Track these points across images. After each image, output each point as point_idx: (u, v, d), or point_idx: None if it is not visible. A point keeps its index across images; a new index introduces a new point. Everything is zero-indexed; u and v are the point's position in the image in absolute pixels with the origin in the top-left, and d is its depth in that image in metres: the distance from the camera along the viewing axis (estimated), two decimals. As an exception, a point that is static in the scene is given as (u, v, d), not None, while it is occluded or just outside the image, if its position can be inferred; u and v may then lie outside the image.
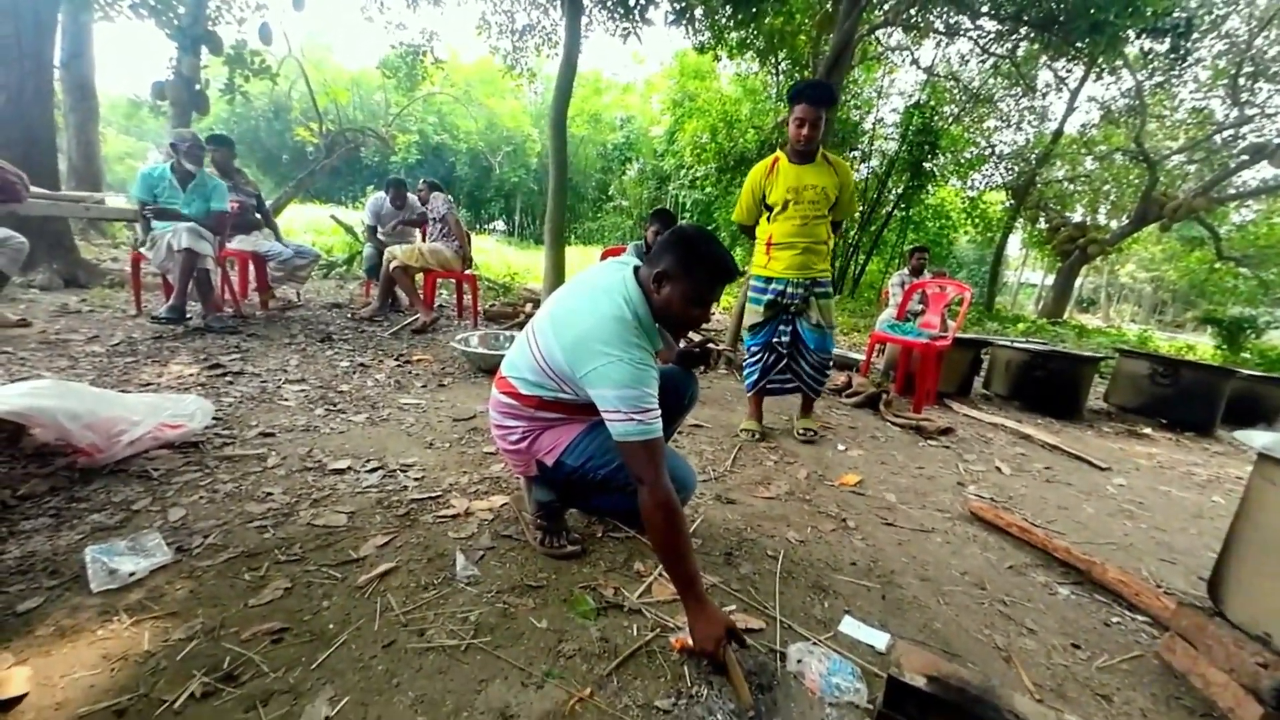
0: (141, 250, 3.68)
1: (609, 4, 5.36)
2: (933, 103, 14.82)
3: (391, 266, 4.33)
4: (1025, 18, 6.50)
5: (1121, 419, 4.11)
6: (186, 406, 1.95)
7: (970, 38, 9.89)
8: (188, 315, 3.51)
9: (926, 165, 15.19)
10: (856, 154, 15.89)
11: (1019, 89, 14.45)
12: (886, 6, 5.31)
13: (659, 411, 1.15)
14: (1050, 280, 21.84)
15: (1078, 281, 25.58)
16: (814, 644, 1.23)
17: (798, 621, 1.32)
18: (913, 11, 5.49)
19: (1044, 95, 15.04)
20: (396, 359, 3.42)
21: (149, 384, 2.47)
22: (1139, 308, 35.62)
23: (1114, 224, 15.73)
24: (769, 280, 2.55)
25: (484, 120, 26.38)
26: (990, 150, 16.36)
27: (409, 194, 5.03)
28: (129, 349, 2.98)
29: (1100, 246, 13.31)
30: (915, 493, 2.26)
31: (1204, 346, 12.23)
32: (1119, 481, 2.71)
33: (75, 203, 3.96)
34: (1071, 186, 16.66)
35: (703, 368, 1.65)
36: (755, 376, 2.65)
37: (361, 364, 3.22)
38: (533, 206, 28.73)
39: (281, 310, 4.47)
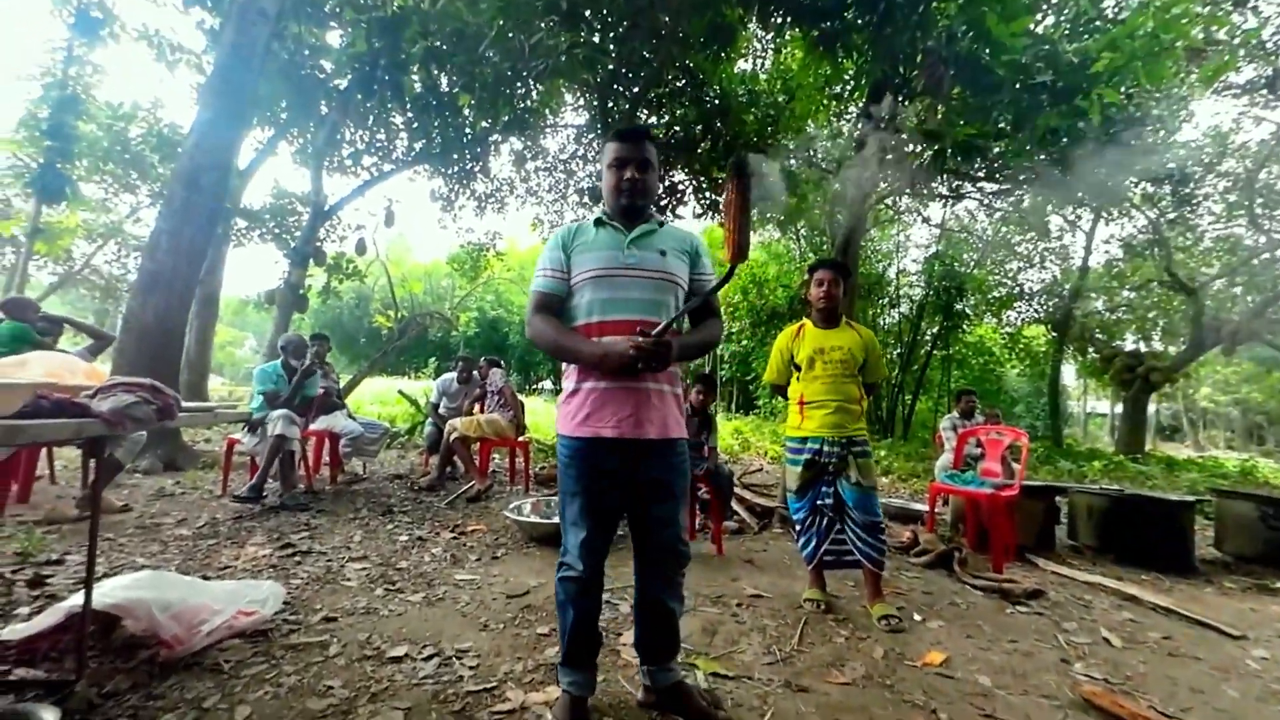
0: (236, 435, 4.11)
1: None
2: (950, 253, 15.71)
3: (452, 438, 4.62)
4: (1022, 178, 7.17)
5: (1243, 571, 3.61)
6: (261, 592, 2.04)
7: (973, 198, 10.85)
8: (264, 494, 3.78)
9: (957, 307, 15.61)
10: (885, 301, 16.59)
11: (1033, 234, 15.29)
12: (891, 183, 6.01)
13: (544, 271, 1.50)
14: (1120, 409, 20.67)
15: (1151, 409, 24.05)
16: None
17: None
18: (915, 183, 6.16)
19: (1059, 238, 15.79)
20: (452, 530, 3.50)
21: (227, 567, 2.61)
22: (1231, 433, 32.64)
23: (1171, 349, 15.22)
24: (804, 440, 2.55)
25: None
26: (1018, 289, 16.77)
27: (474, 371, 5.52)
28: (212, 530, 3.19)
29: (1163, 374, 12.74)
30: (1013, 674, 2.01)
31: (1323, 475, 10.87)
32: (1260, 654, 2.33)
33: (206, 411, 4.54)
34: (1114, 316, 16.56)
35: (657, 367, 1.35)
36: (811, 546, 2.54)
37: (419, 537, 3.30)
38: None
39: (349, 484, 4.73)
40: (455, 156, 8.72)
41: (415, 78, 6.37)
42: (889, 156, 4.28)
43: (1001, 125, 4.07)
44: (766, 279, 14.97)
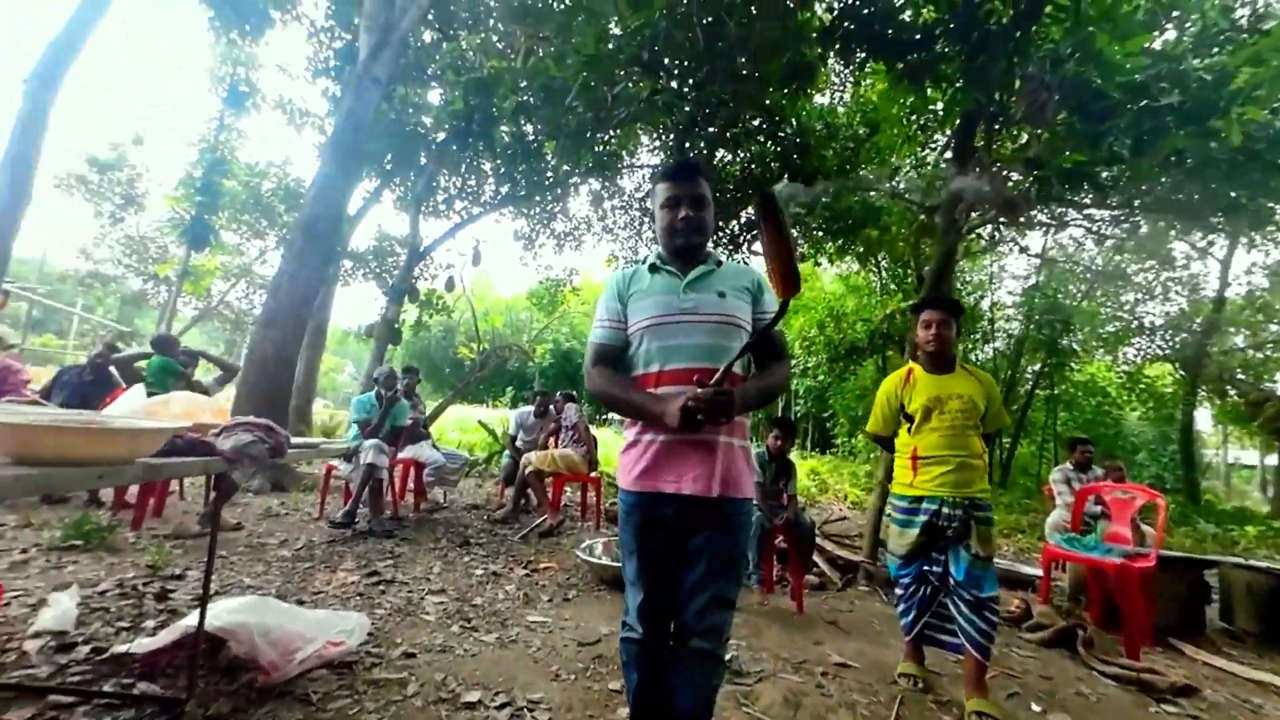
0: (333, 462, 4.42)
1: (723, 242, 6.32)
2: (1053, 284, 14.46)
3: (527, 471, 4.71)
4: (1136, 204, 6.47)
5: None
6: (349, 623, 2.13)
7: (1079, 225, 9.94)
8: (356, 520, 4.00)
9: (1062, 343, 14.23)
10: (977, 336, 15.43)
11: (1153, 263, 13.76)
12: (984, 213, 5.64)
13: (602, 321, 1.44)
14: (1273, 460, 17.80)
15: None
16: None
17: None
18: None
19: (1185, 266, 14.11)
20: (525, 566, 3.52)
21: (319, 592, 2.76)
22: None
23: (1340, 395, 12.93)
24: (919, 500, 2.22)
25: (608, 327, 30.04)
26: (1136, 323, 15.06)
27: (550, 405, 5.65)
28: (308, 553, 3.40)
29: (1331, 424, 10.82)
30: (1165, 793, 1.69)
31: None
32: None
33: (312, 447, 4.97)
34: (1261, 354, 14.39)
35: (721, 420, 1.23)
36: (911, 617, 2.25)
37: (494, 572, 3.34)
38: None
39: (430, 511, 4.93)
40: (538, 199, 9.21)
41: (505, 129, 6.84)
42: (984, 189, 4.01)
43: (1116, 149, 3.71)
44: (845, 313, 14.42)
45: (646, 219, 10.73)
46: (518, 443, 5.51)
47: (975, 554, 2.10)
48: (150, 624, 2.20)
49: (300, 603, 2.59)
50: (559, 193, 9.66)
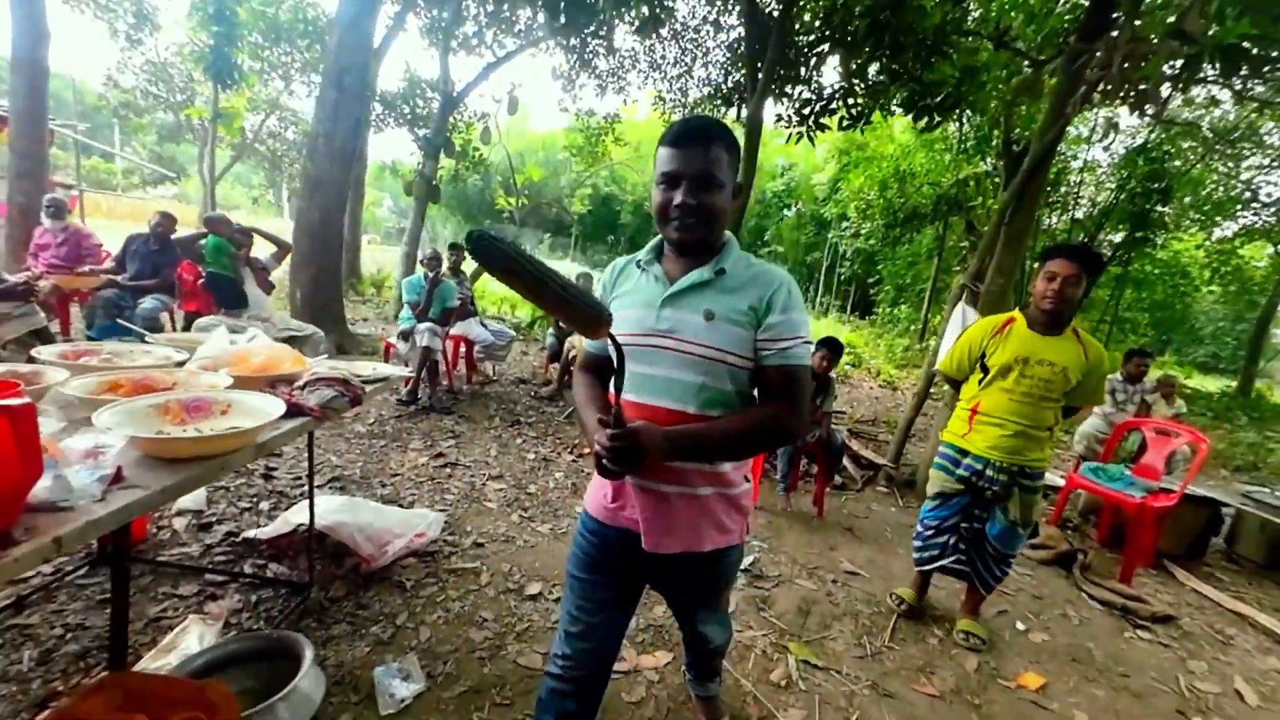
0: (391, 340, 4.71)
1: (785, 118, 5.60)
2: (1165, 144, 12.54)
3: (571, 354, 4.93)
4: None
5: None
6: (427, 520, 2.49)
7: (1215, 82, 8.29)
8: (419, 397, 4.39)
9: (1158, 210, 12.76)
10: (1055, 201, 13.95)
11: (1297, 123, 11.61)
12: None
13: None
14: (1348, 355, 16.85)
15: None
16: None
17: None
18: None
19: (1338, 130, 11.91)
20: (571, 451, 3.89)
21: (396, 474, 3.17)
22: None
23: None
24: (963, 453, 2.19)
25: (650, 171, 28.32)
26: (1250, 193, 13.26)
27: (595, 283, 5.67)
28: (380, 430, 3.82)
29: None
30: (1116, 714, 1.99)
31: None
32: None
33: (384, 380, 5.17)
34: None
35: (631, 472, 0.99)
36: (926, 555, 2.33)
37: (544, 458, 3.72)
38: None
39: (482, 384, 5.32)
40: (581, 27, 8.10)
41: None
42: (1116, 65, 3.33)
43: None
44: (912, 173, 13.07)
45: (699, 53, 9.44)
46: (561, 324, 5.66)
47: (1013, 519, 2.13)
48: (264, 505, 2.62)
49: (382, 485, 3.01)
50: (604, 19, 8.45)
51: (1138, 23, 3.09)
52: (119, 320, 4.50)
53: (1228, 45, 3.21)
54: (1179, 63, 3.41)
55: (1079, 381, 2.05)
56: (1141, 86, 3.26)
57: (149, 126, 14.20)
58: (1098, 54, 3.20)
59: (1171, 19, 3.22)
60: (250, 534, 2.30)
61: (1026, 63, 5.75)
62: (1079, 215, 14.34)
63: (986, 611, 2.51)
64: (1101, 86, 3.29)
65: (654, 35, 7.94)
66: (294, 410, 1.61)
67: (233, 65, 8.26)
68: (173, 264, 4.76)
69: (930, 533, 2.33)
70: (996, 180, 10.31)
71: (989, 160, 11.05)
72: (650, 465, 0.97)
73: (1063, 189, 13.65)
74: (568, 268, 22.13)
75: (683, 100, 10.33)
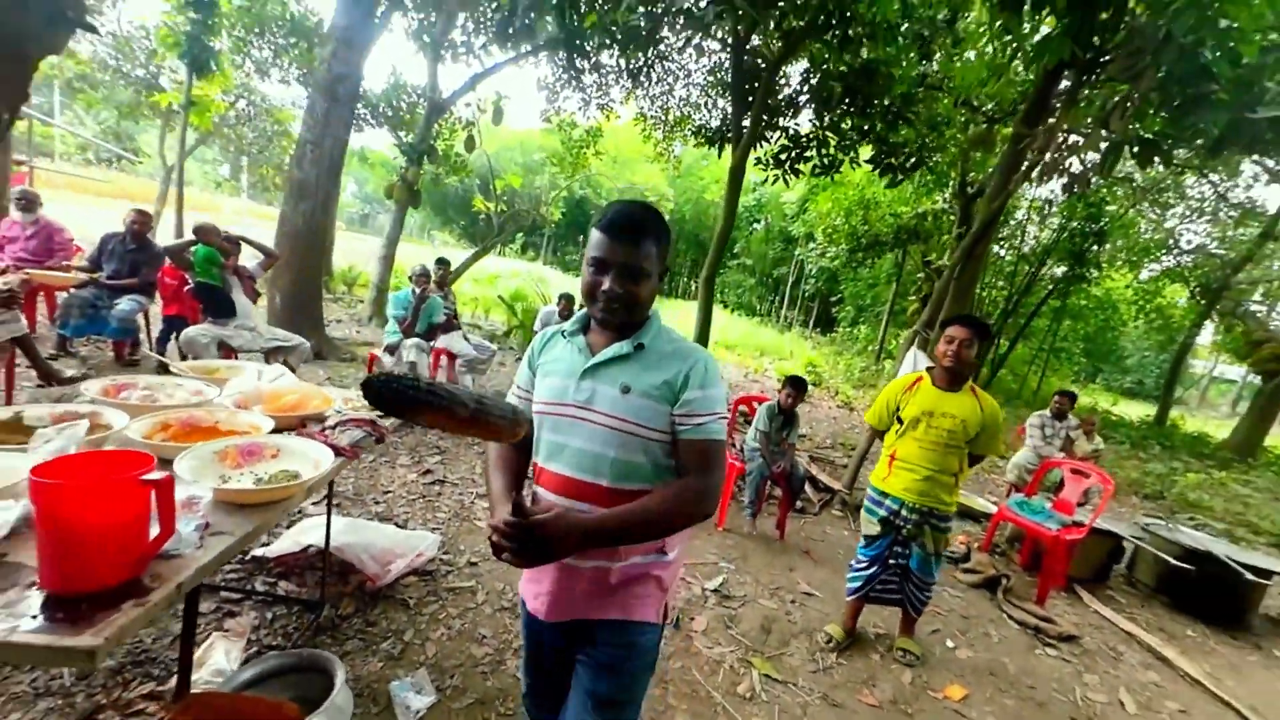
0: (377, 352, 4.81)
1: (766, 166, 6.00)
2: (1103, 192, 13.64)
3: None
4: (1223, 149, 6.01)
5: (1305, 640, 3.65)
6: (425, 541, 2.67)
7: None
8: (403, 410, 4.51)
9: (1093, 250, 13.82)
10: (1003, 235, 14.92)
11: (1214, 178, 12.85)
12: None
13: (516, 386, 1.24)
14: (1248, 392, 18.52)
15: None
16: None
17: None
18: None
19: (1249, 187, 13.23)
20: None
21: (388, 491, 3.32)
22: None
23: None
24: (884, 495, 2.51)
25: (624, 179, 28.52)
26: (1172, 240, 14.55)
27: (575, 307, 5.88)
28: (368, 445, 3.93)
29: (1319, 374, 11.18)
30: (1020, 718, 2.36)
31: None
32: (1272, 746, 2.53)
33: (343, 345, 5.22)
34: (1286, 292, 14.17)
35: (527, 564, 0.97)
36: (859, 584, 2.61)
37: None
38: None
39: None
40: (574, 44, 8.29)
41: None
42: (1056, 151, 3.80)
43: (1203, 131, 3.48)
44: (876, 201, 13.78)
45: (681, 74, 9.77)
46: (542, 339, 5.86)
47: (928, 552, 2.47)
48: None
49: (375, 502, 3.16)
50: (595, 43, 8.66)
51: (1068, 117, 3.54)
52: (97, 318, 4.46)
53: (1143, 139, 3.73)
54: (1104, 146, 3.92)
55: (977, 433, 2.34)
56: (1072, 170, 3.75)
57: (106, 101, 13.51)
58: (1036, 140, 3.65)
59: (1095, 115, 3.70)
60: (258, 551, 2.44)
61: (982, 119, 6.33)
62: (1025, 250, 15.39)
63: (922, 629, 2.87)
64: (1038, 170, 3.76)
65: (639, 54, 8.18)
66: (333, 450, 1.79)
67: (210, 54, 8.09)
68: (152, 264, 4.73)
69: (862, 567, 2.61)
70: (951, 217, 11.06)
71: (946, 198, 11.82)
72: (544, 558, 0.94)
73: (1011, 223, 14.64)
74: (540, 270, 22.12)
75: (663, 118, 10.67)
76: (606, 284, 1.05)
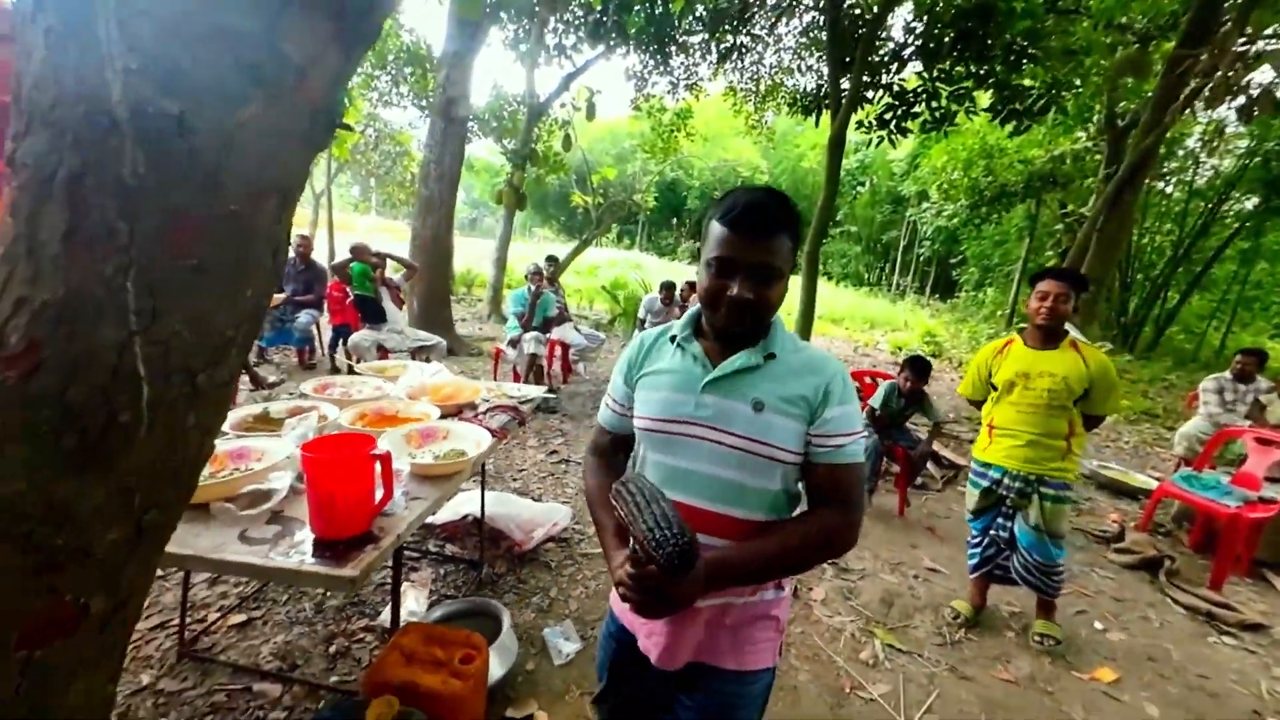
0: (501, 346, 5.32)
1: (869, 129, 5.71)
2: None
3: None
4: None
5: None
6: (560, 512, 3.00)
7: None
8: (527, 397, 4.98)
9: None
10: (1170, 169, 12.67)
11: None
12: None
13: (609, 396, 1.11)
14: None
15: None
16: None
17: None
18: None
19: None
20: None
21: (522, 469, 3.73)
22: None
23: None
24: (987, 465, 2.40)
25: (715, 157, 28.03)
26: None
27: (676, 293, 6.06)
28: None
29: None
30: (1188, 710, 2.17)
31: None
32: None
33: (515, 408, 5.83)
34: None
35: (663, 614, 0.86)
36: (976, 561, 2.53)
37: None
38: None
39: (577, 384, 5.87)
40: (659, 35, 8.35)
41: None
42: (1230, 67, 3.24)
43: None
44: (1000, 149, 12.36)
45: (770, 39, 9.42)
46: (646, 326, 6.09)
47: (1035, 526, 2.28)
48: (429, 495, 3.23)
49: (512, 479, 3.57)
50: (683, 28, 8.66)
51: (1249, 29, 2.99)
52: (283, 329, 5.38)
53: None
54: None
55: (1085, 390, 2.18)
56: (1254, 88, 3.16)
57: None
58: (1202, 58, 3.13)
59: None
60: (428, 520, 2.90)
61: (1132, 39, 5.47)
62: (1199, 184, 13.00)
63: (1064, 611, 2.70)
64: (1206, 93, 3.22)
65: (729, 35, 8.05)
66: (488, 432, 2.11)
67: (343, 93, 9.19)
68: (323, 282, 5.60)
69: (976, 542, 2.53)
70: (1097, 157, 9.62)
71: (1089, 135, 10.31)
72: (683, 603, 0.83)
73: (1180, 153, 12.40)
74: (636, 256, 22.54)
75: (754, 88, 10.38)
76: (735, 289, 0.89)
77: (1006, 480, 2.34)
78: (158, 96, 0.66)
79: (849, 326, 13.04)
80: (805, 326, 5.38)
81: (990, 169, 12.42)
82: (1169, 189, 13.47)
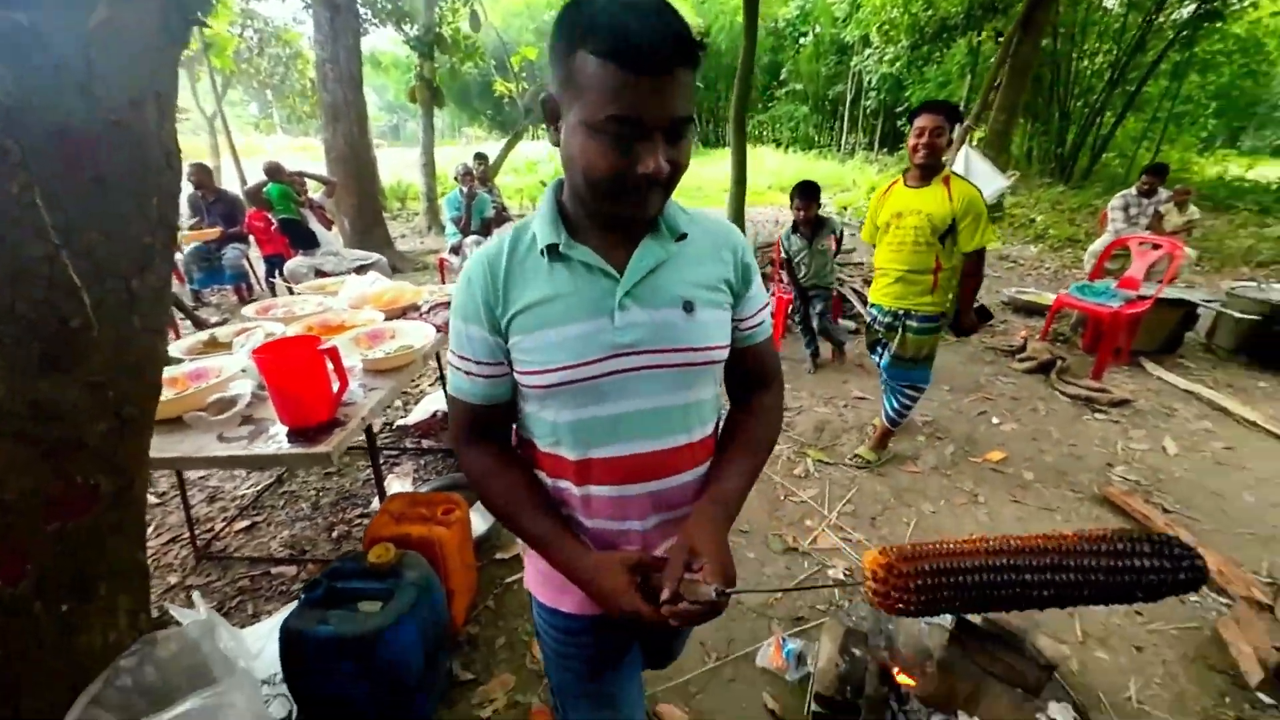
0: (444, 256, 5.26)
1: None
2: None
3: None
4: None
5: (1401, 376, 3.55)
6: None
7: None
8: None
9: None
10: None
11: None
12: None
13: (461, 360, 0.75)
14: None
15: None
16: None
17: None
18: None
19: None
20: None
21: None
22: None
23: None
24: (871, 305, 2.56)
25: (646, 18, 25.58)
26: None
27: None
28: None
29: None
30: (1056, 471, 2.67)
31: None
32: (1317, 467, 2.69)
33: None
34: None
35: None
36: (885, 404, 2.67)
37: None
38: (697, 103, 27.58)
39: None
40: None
41: None
42: None
43: None
44: (941, -24, 11.62)
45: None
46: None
47: (895, 355, 2.43)
48: (397, 402, 3.42)
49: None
50: None
51: None
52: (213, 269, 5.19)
53: None
54: None
55: (950, 226, 2.20)
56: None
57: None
58: None
59: None
60: (400, 422, 3.11)
61: None
62: (1133, -3, 12.62)
63: (968, 411, 3.17)
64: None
65: None
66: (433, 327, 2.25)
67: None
68: (241, 210, 5.30)
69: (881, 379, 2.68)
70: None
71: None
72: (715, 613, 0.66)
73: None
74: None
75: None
76: (652, 162, 0.60)
77: (879, 316, 2.49)
78: (3, 10, 0.70)
79: (798, 193, 12.96)
80: (738, 202, 5.09)
81: (930, 2, 11.78)
82: (1109, 2, 13.08)
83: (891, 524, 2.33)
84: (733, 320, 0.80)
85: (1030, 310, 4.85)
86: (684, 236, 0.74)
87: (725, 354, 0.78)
